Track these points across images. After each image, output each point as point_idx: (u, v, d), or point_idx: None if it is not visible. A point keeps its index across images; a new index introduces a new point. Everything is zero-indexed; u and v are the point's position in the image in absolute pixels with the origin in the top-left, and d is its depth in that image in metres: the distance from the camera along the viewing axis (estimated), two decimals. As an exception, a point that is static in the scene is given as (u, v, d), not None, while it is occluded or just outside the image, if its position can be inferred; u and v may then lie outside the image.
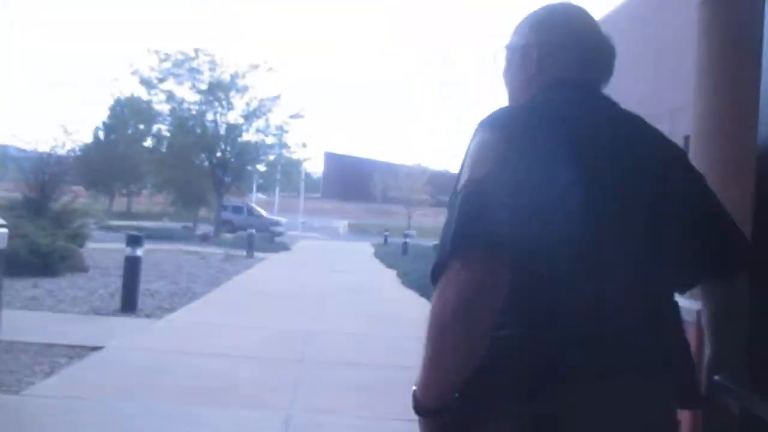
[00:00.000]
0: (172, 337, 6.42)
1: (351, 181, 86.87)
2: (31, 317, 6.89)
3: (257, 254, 18.36)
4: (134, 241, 7.80)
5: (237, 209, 34.88)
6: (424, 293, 11.37)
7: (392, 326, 8.02)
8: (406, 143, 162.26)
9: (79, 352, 5.46)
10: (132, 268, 7.73)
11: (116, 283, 9.40)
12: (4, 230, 3.88)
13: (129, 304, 7.64)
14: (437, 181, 71.82)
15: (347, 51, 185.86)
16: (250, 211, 35.45)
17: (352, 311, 9.13)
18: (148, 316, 7.53)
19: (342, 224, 62.21)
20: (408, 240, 22.43)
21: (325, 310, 9.02)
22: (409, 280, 13.40)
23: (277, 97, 32.48)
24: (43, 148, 13.28)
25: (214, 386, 4.72)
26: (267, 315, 8.26)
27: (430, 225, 66.02)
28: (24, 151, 14.70)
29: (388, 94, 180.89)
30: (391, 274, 15.77)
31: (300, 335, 6.95)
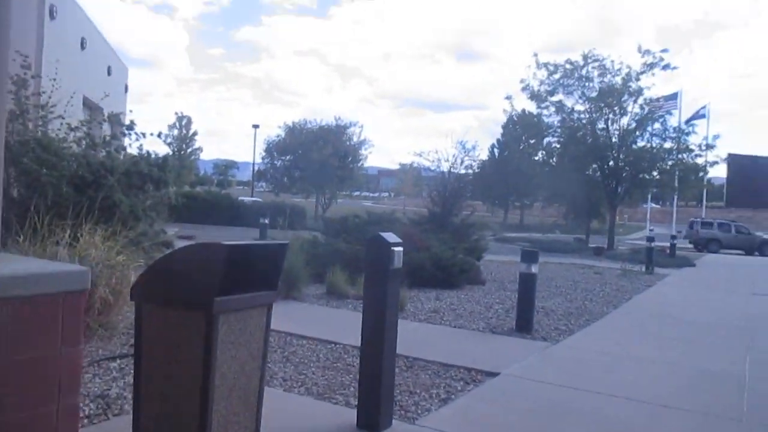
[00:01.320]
0: (571, 368, 5.73)
1: (763, 186, 74.72)
2: (433, 332, 6.99)
3: (657, 270, 16.60)
4: (530, 257, 7.38)
5: (723, 226, 34.08)
6: None
7: None
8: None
9: (474, 376, 5.17)
10: (527, 285, 7.32)
11: (511, 298, 9.22)
12: (400, 249, 3.70)
13: (524, 324, 7.24)
14: None
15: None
16: (738, 229, 34.18)
17: (795, 351, 7.16)
18: (543, 338, 7.00)
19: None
20: None
21: (755, 346, 7.24)
22: None
23: (675, 96, 29.59)
24: (444, 166, 14.09)
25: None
26: (678, 347, 6.96)
27: None
28: (428, 169, 15.98)
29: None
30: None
31: (729, 380, 5.55)
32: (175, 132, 65.42)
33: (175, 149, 63.44)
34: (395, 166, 48.19)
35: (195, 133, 67.71)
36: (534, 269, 7.33)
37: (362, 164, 43.68)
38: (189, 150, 66.48)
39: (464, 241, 11.84)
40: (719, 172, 74.32)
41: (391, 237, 3.75)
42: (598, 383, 5.14)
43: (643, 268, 16.18)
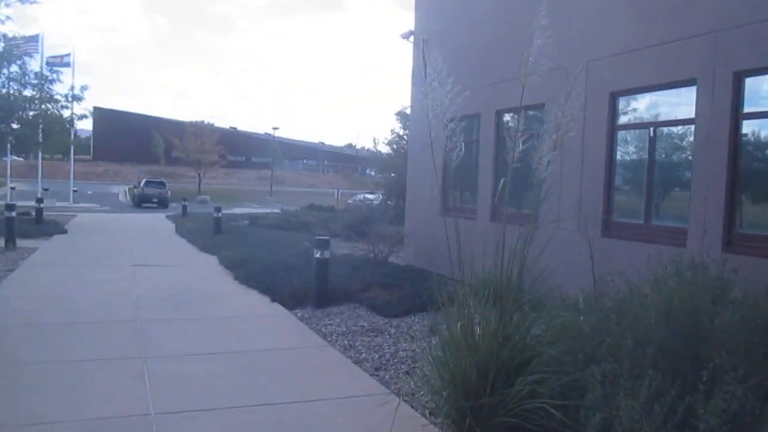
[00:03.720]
0: None
1: (128, 141, 78.28)
2: None
3: (22, 243, 13.79)
4: None
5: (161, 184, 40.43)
6: (277, 297, 8.57)
7: (281, 380, 5.17)
8: (191, 97, 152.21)
9: None
10: None
11: None
12: None
13: None
14: (228, 140, 66.81)
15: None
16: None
17: (201, 348, 6.06)
18: None
19: (122, 190, 55.44)
20: (220, 214, 18.61)
21: (159, 351, 5.87)
22: (244, 276, 10.29)
23: (36, 38, 26.50)
24: None
25: None
26: (64, 379, 4.94)
27: (221, 188, 61.29)
28: None
29: (174, 41, 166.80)
30: (213, 262, 12.57)
31: (139, 429, 3.89)
32: None
33: None
34: None
35: None
36: None
37: None
38: None
39: None
40: (86, 126, 73.76)
41: None
42: None
43: (3, 244, 13.13)
